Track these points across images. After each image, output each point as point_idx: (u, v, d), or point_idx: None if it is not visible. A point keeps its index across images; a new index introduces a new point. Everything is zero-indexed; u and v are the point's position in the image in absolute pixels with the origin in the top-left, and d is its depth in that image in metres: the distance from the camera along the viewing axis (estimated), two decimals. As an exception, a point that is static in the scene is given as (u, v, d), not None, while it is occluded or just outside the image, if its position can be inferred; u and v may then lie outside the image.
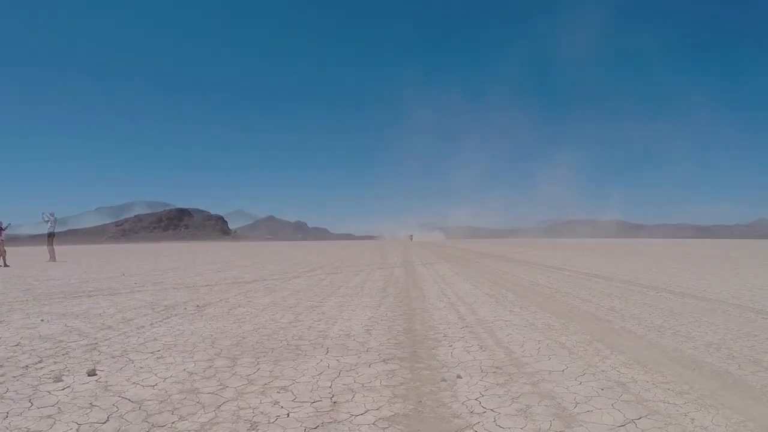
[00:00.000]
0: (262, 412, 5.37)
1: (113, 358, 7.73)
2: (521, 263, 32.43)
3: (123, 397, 5.86)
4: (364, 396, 5.91)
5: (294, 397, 5.84)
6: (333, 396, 5.90)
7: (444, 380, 6.55)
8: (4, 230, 30.59)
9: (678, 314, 11.84)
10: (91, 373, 6.78)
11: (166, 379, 6.61)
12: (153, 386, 6.29)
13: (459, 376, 6.66)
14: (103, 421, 5.17)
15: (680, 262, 33.52)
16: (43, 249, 37.06)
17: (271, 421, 5.21)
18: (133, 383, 6.41)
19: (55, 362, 7.49)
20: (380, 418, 5.29)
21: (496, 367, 7.12)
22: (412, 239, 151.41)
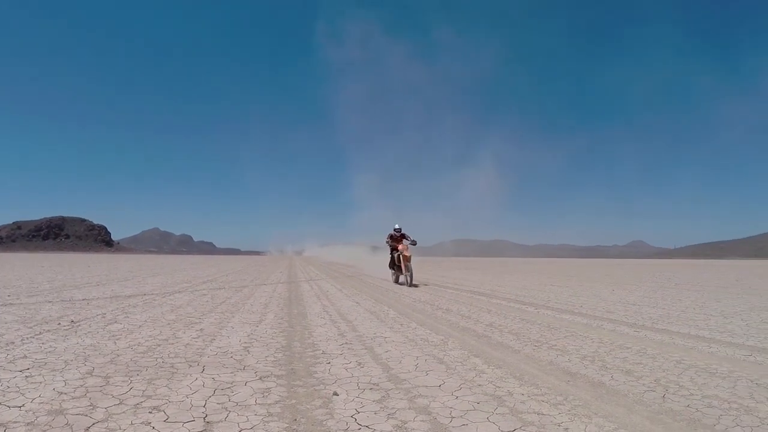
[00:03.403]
0: (130, 435, 5.11)
1: (-23, 377, 7.26)
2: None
3: (-15, 420, 5.47)
4: (238, 415, 5.70)
5: (166, 418, 5.57)
6: (206, 416, 5.65)
7: (320, 397, 6.46)
8: None
9: (555, 329, 12.18)
10: (-49, 394, 5.99)
11: (34, 399, 6.15)
12: (20, 407, 5.84)
13: (336, 393, 6.55)
14: (-41, 447, 4.83)
15: (559, 280, 34.64)
16: None
17: (139, 443, 4.94)
18: (-2, 404, 6.03)
19: None
20: (253, 438, 5.08)
21: (374, 384, 7.04)
22: (410, 253, 27.36)
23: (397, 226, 27.85)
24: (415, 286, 26.47)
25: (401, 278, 28.02)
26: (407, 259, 26.60)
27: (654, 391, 6.91)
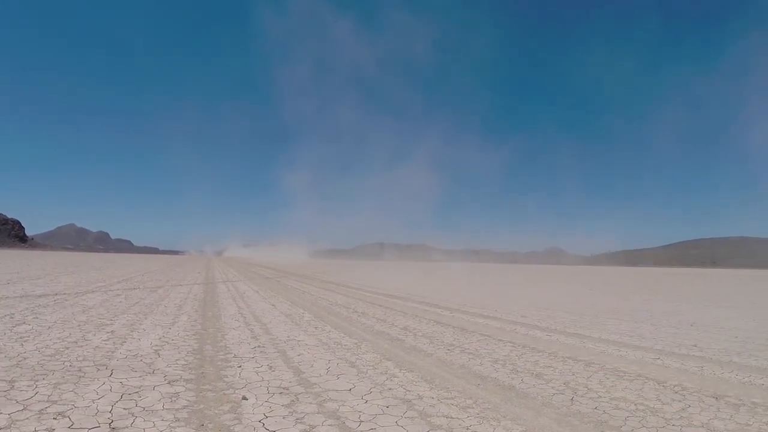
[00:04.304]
0: (33, 442, 4.93)
1: None
2: (326, 284, 32.72)
3: None
4: (144, 420, 5.57)
5: (71, 424, 5.39)
6: (112, 421, 5.49)
7: (229, 402, 6.40)
8: None
9: (469, 333, 12.34)
10: None
11: (-69, 407, 5.95)
12: None
13: (244, 398, 6.47)
14: None
15: (477, 285, 35.10)
16: None
17: (42, 451, 4.77)
18: None
19: None
20: (158, 444, 4.96)
21: (284, 388, 6.98)
22: None
23: None
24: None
25: None
26: None
27: (563, 393, 7.10)
